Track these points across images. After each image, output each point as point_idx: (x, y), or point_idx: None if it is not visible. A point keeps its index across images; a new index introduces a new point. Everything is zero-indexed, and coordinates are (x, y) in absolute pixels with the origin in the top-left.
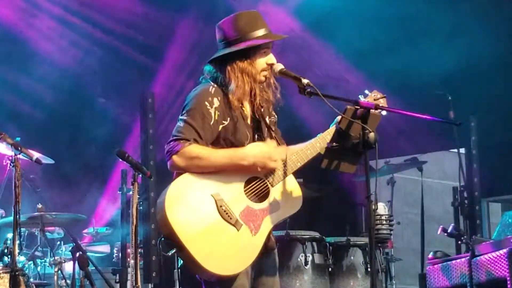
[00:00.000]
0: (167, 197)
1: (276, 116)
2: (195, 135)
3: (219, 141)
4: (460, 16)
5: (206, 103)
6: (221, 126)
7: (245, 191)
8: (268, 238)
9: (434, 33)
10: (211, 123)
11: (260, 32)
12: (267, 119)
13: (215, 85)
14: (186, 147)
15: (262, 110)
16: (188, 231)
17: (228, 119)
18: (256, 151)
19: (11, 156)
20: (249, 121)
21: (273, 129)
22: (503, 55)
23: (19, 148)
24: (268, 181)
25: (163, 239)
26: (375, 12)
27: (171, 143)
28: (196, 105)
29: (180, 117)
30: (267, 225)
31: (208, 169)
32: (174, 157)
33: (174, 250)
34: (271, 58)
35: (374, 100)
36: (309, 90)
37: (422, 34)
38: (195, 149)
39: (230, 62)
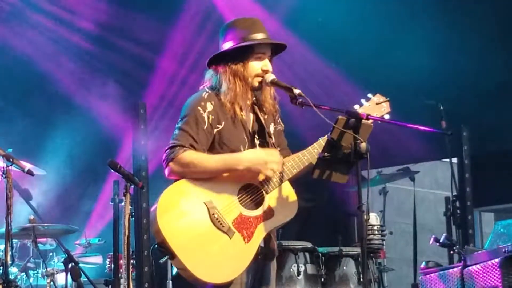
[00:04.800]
0: (159, 205)
1: (283, 125)
2: (191, 140)
3: (214, 146)
4: (451, 26)
5: (199, 108)
6: (215, 130)
7: (239, 198)
8: (270, 245)
9: (427, 42)
10: (205, 127)
11: (258, 36)
12: (271, 127)
13: (210, 91)
14: (181, 153)
15: (266, 117)
16: (180, 239)
17: (223, 123)
18: (252, 156)
19: (3, 167)
20: (250, 127)
21: (274, 139)
22: (495, 64)
23: (11, 160)
24: (263, 188)
25: (156, 246)
26: (365, 21)
27: (168, 150)
28: (190, 111)
29: (176, 125)
30: (260, 232)
31: (203, 174)
32: (171, 164)
33: (166, 258)
34: (266, 64)
35: (377, 104)
36: (300, 100)
37: (414, 43)
38: (189, 155)
39: (224, 64)
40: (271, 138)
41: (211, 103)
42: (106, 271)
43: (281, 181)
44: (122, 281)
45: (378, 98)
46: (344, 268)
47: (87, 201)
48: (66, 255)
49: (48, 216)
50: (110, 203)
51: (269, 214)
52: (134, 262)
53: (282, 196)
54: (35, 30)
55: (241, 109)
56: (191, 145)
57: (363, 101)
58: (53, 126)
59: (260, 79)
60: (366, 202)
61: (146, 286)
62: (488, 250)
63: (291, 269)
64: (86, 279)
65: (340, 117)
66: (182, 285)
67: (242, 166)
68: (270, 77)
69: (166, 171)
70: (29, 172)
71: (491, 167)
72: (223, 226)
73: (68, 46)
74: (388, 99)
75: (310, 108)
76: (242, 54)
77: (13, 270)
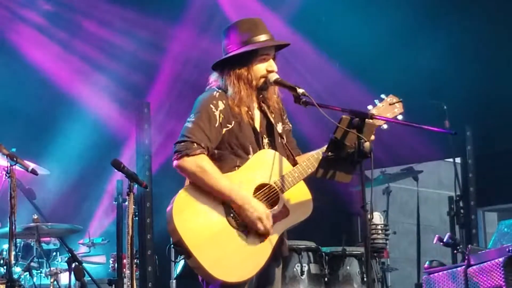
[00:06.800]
0: (175, 204)
1: (290, 125)
2: (206, 140)
3: (223, 144)
4: (456, 27)
5: (212, 105)
6: (225, 129)
7: (255, 197)
8: (282, 243)
9: (430, 43)
10: (216, 125)
11: (261, 38)
12: (279, 126)
13: (220, 90)
14: (199, 155)
15: (273, 116)
16: (196, 238)
17: (233, 122)
18: (255, 205)
19: (7, 166)
20: (258, 126)
21: (284, 137)
22: (499, 64)
23: (15, 159)
24: (278, 187)
25: (172, 246)
26: (369, 21)
27: (183, 143)
28: (202, 107)
29: (188, 119)
30: (276, 232)
31: (206, 185)
32: (186, 159)
33: (182, 257)
34: (271, 64)
35: (390, 104)
36: (304, 99)
37: (418, 43)
38: (208, 162)
39: (228, 68)
40: (283, 139)
41: (222, 102)
42: (109, 270)
43: (296, 181)
44: (125, 280)
45: (391, 98)
46: (348, 267)
47: (90, 201)
48: (70, 255)
49: (52, 216)
50: (114, 202)
51: (284, 213)
52: (138, 261)
53: (297, 196)
54: (36, 30)
55: (248, 109)
56: (207, 147)
57: (376, 101)
58: (57, 126)
59: (265, 79)
60: (370, 202)
61: (149, 285)
62: (491, 250)
63: (295, 269)
64: (90, 278)
65: (344, 116)
66: (186, 285)
67: (240, 204)
68: (274, 76)
69: (176, 163)
70: (33, 172)
71: (494, 167)
72: (239, 225)
73: (70, 44)
74: (401, 99)
75: (314, 108)
76: (246, 58)
77: (17, 269)
